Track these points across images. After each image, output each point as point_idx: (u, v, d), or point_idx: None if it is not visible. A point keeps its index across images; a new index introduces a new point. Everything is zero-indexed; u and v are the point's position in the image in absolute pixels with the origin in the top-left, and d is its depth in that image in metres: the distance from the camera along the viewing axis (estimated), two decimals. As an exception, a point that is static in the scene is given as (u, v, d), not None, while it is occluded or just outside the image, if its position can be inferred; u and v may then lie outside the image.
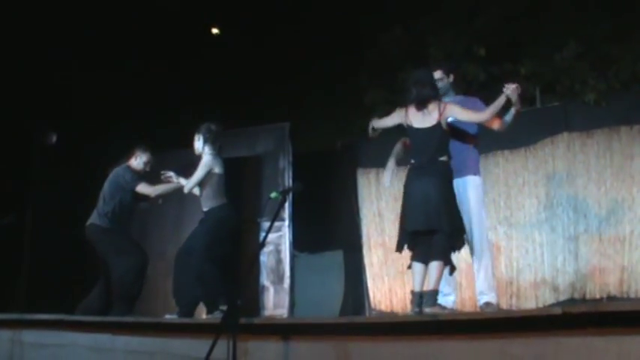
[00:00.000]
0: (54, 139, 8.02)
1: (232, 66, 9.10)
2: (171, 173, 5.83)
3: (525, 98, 7.66)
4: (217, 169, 5.54)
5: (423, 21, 8.41)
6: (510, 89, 4.54)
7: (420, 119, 4.56)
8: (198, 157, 5.63)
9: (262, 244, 4.52)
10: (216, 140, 5.66)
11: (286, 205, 7.62)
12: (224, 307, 5.14)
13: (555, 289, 6.81)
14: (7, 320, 5.66)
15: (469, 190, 4.83)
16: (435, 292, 4.35)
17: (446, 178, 4.50)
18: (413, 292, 4.46)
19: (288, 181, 8.13)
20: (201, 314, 5.83)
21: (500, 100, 4.54)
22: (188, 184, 5.57)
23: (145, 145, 6.09)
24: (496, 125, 4.86)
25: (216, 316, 5.11)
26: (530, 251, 7.02)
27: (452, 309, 4.75)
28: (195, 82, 8.92)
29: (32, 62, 7.84)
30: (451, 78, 5.05)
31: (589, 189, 6.83)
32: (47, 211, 7.70)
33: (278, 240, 7.99)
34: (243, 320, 3.81)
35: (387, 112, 4.92)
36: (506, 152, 7.34)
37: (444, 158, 4.51)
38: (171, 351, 4.58)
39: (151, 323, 5.01)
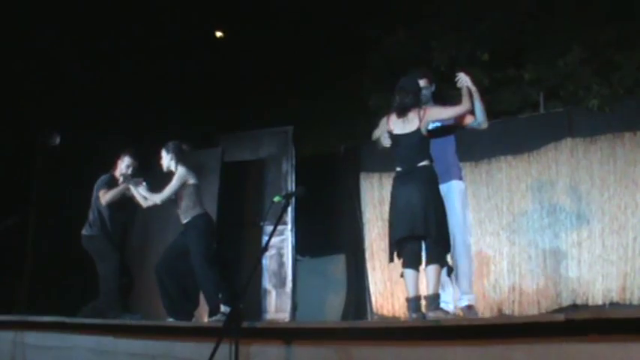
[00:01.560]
0: (57, 139, 8.02)
1: (236, 69, 9.11)
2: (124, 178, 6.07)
3: (529, 104, 7.69)
4: (192, 180, 5.71)
5: (427, 25, 8.41)
6: (463, 78, 4.76)
7: (401, 126, 4.64)
8: (167, 174, 5.81)
9: (265, 248, 4.50)
10: (187, 159, 5.87)
11: (289, 209, 7.60)
12: (226, 311, 5.16)
13: (558, 295, 6.79)
14: (10, 322, 5.67)
15: (454, 195, 4.94)
16: (436, 296, 4.38)
17: (429, 182, 4.52)
18: (408, 299, 4.50)
19: (291, 185, 8.14)
20: (204, 318, 5.84)
21: (465, 90, 4.68)
22: (162, 194, 5.70)
23: (127, 149, 6.26)
24: (469, 120, 4.91)
25: (219, 320, 5.12)
26: (532, 257, 7.00)
27: (454, 313, 4.77)
28: (198, 84, 8.93)
29: (35, 62, 7.86)
30: (433, 87, 5.14)
31: (592, 195, 6.81)
32: (50, 212, 7.70)
33: (280, 244, 7.99)
34: (245, 324, 3.81)
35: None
36: (510, 157, 7.33)
37: (425, 163, 4.55)
38: (174, 354, 4.58)
39: (153, 326, 5.02)
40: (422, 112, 4.58)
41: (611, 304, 6.52)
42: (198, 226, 5.63)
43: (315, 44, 8.88)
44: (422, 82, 4.94)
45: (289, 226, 7.96)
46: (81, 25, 8.06)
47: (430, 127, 4.68)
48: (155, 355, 4.68)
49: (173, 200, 5.80)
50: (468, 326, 3.52)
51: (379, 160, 7.63)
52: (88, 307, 5.81)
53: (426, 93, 4.97)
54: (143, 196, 5.85)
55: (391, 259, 4.62)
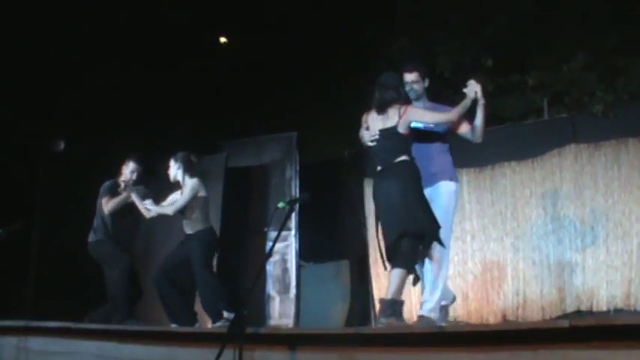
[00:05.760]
0: (62, 145, 8.05)
1: (240, 75, 9.14)
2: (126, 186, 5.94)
3: (533, 110, 7.68)
4: (202, 193, 5.69)
5: (431, 31, 8.42)
6: (473, 85, 4.39)
7: (380, 123, 4.43)
8: (175, 184, 5.79)
9: (269, 254, 4.49)
10: (195, 170, 5.79)
11: (293, 215, 7.61)
12: (230, 317, 5.15)
13: (562, 301, 6.77)
14: (14, 327, 5.67)
15: (441, 197, 4.54)
16: (393, 302, 4.17)
17: (407, 177, 4.29)
18: (381, 300, 4.27)
19: (294, 190, 8.14)
20: (207, 324, 5.84)
21: (467, 101, 4.37)
22: (175, 205, 5.64)
23: (132, 154, 6.20)
24: (465, 130, 4.60)
25: (223, 326, 5.12)
26: (537, 263, 6.99)
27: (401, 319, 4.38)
28: (202, 91, 8.95)
29: (40, 69, 7.89)
30: (426, 82, 4.75)
31: (596, 201, 6.80)
32: (55, 217, 7.72)
33: (284, 249, 7.99)
34: (249, 330, 3.81)
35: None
36: (513, 163, 7.32)
37: (403, 158, 4.33)
38: (177, 360, 4.58)
39: (156, 332, 5.01)
40: (402, 110, 4.34)
41: (616, 310, 6.50)
42: (203, 239, 5.60)
43: (319, 51, 8.90)
44: (412, 76, 4.65)
45: (293, 232, 7.96)
46: (88, 31, 8.09)
47: (412, 125, 4.40)
48: (159, 360, 4.68)
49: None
50: (472, 332, 3.51)
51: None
52: (96, 312, 5.80)
53: (416, 88, 4.64)
54: (145, 207, 5.75)
55: (385, 267, 4.38)
